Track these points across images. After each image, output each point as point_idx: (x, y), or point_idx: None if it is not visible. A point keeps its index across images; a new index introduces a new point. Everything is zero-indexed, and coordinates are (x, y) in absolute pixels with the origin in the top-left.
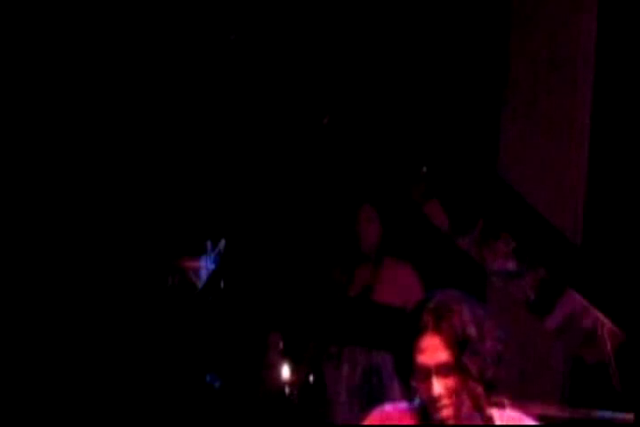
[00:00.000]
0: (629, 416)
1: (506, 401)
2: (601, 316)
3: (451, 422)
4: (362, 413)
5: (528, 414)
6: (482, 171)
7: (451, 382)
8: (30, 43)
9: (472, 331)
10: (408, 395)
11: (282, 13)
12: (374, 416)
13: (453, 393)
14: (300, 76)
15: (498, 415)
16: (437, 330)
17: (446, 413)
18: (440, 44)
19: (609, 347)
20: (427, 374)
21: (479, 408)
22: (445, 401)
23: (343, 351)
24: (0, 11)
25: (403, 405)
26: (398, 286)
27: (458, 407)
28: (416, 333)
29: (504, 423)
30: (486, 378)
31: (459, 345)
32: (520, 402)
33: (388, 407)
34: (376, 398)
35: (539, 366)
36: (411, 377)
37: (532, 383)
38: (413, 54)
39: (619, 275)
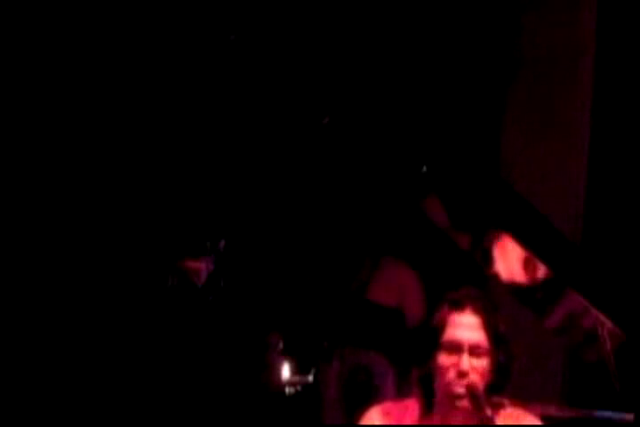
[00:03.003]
0: (629, 416)
1: (506, 401)
2: (601, 316)
3: (463, 395)
4: (348, 410)
5: (529, 412)
6: (483, 171)
7: (479, 364)
8: (30, 43)
9: (506, 334)
10: (402, 393)
11: (282, 14)
12: (374, 412)
13: (478, 374)
14: (300, 76)
15: (498, 415)
16: (477, 312)
17: (467, 386)
18: (443, 45)
19: (609, 347)
20: (458, 349)
21: (479, 408)
22: (469, 378)
23: (334, 348)
24: (0, 11)
25: (401, 401)
26: (395, 285)
27: (476, 387)
28: (453, 309)
29: (504, 423)
30: (499, 380)
31: (495, 339)
32: (520, 402)
33: (388, 403)
34: (364, 396)
35: (538, 365)
36: (435, 352)
37: (531, 383)
38: (415, 55)
39: (619, 275)
